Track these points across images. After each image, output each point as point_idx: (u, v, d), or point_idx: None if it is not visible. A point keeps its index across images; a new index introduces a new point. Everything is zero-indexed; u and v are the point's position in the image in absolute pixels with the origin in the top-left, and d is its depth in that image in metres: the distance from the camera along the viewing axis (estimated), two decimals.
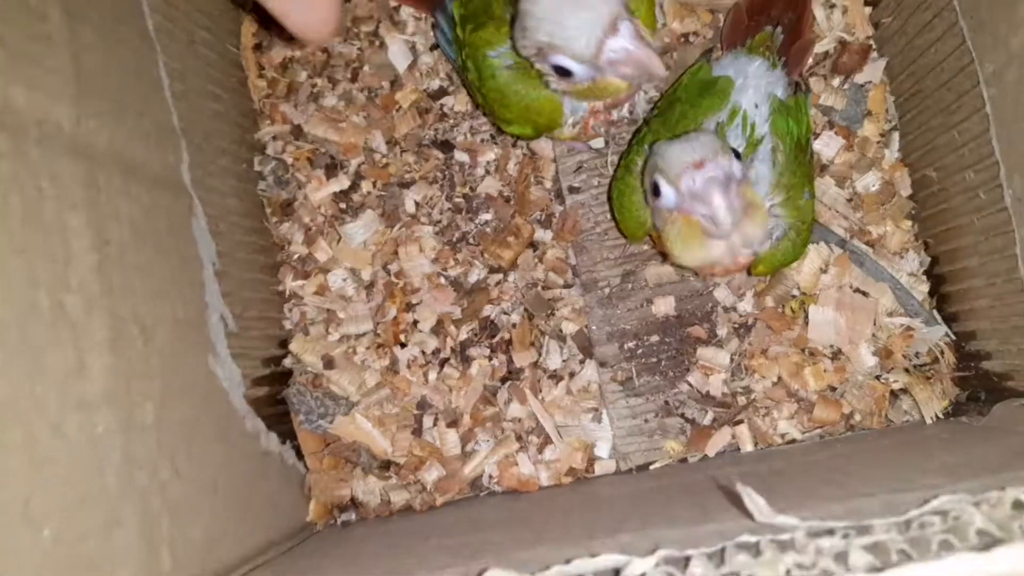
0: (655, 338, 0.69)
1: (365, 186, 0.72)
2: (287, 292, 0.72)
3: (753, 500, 0.37)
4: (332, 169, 0.73)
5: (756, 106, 0.60)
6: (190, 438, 0.54)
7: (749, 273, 0.65)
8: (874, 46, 0.70)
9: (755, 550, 0.36)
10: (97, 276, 0.47)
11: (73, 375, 0.44)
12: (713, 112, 0.60)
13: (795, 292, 0.69)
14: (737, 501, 0.38)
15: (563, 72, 0.55)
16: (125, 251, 0.50)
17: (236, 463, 0.60)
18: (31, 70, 0.44)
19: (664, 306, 0.69)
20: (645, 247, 0.70)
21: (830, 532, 0.35)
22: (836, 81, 0.70)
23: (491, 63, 0.60)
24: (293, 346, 0.71)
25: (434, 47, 0.73)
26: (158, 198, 0.55)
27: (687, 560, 0.35)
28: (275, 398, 0.69)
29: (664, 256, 0.65)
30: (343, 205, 0.73)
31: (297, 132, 0.73)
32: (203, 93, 0.65)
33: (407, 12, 0.74)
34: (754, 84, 0.61)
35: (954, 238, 0.63)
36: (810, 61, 0.69)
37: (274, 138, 0.74)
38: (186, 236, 0.59)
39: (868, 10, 0.70)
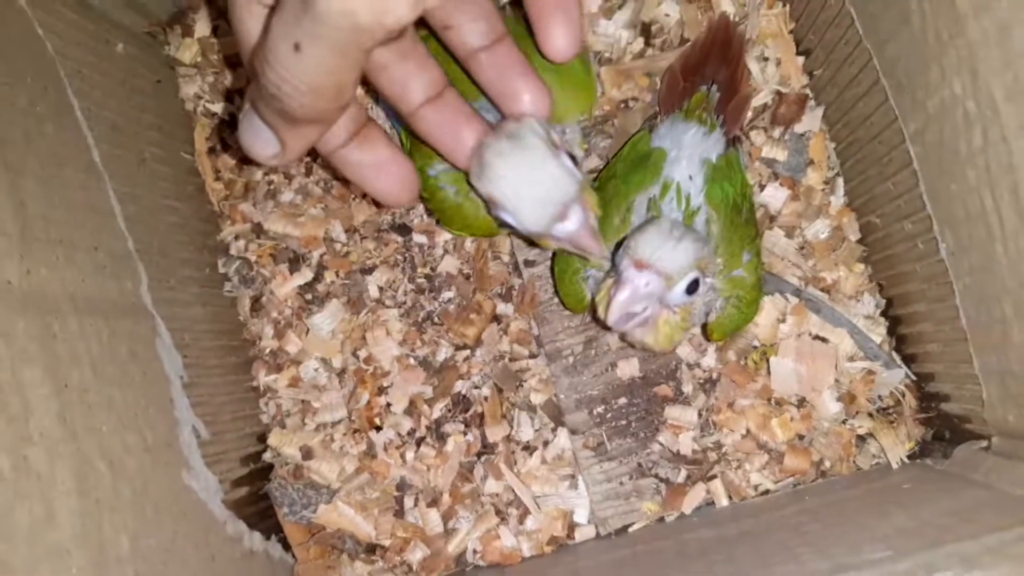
0: (623, 401, 0.71)
1: (328, 276, 0.74)
2: (261, 387, 0.74)
3: None
4: (295, 263, 0.75)
5: (690, 177, 0.61)
6: (168, 559, 0.55)
7: (707, 339, 0.66)
8: (810, 95, 0.71)
9: None
10: (59, 423, 0.49)
11: (41, 525, 0.45)
12: (644, 188, 0.61)
13: (755, 344, 0.70)
14: None
15: (505, 224, 0.55)
16: (86, 391, 0.52)
17: (220, 571, 0.61)
18: None
19: (629, 368, 0.71)
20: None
21: None
22: (776, 132, 0.71)
23: (431, 181, 0.60)
24: (272, 440, 0.72)
25: None
26: (118, 328, 0.57)
27: None
28: (256, 495, 0.70)
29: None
30: (309, 296, 0.74)
31: (258, 230, 0.75)
32: (159, 209, 0.67)
33: None
34: (688, 154, 0.62)
35: (902, 283, 0.64)
36: (749, 115, 0.70)
37: (236, 238, 0.75)
38: (150, 356, 0.60)
39: (801, 59, 0.71)
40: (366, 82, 0.48)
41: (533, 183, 0.51)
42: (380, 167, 0.51)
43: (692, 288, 0.55)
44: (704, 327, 0.65)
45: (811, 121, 0.70)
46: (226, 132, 0.76)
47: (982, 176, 0.48)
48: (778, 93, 0.71)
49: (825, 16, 0.65)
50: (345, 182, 0.73)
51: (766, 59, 0.71)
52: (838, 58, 0.64)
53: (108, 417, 0.53)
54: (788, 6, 0.71)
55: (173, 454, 0.60)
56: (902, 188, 0.59)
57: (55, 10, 0.60)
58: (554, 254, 0.68)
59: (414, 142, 0.59)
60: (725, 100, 0.66)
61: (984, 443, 0.58)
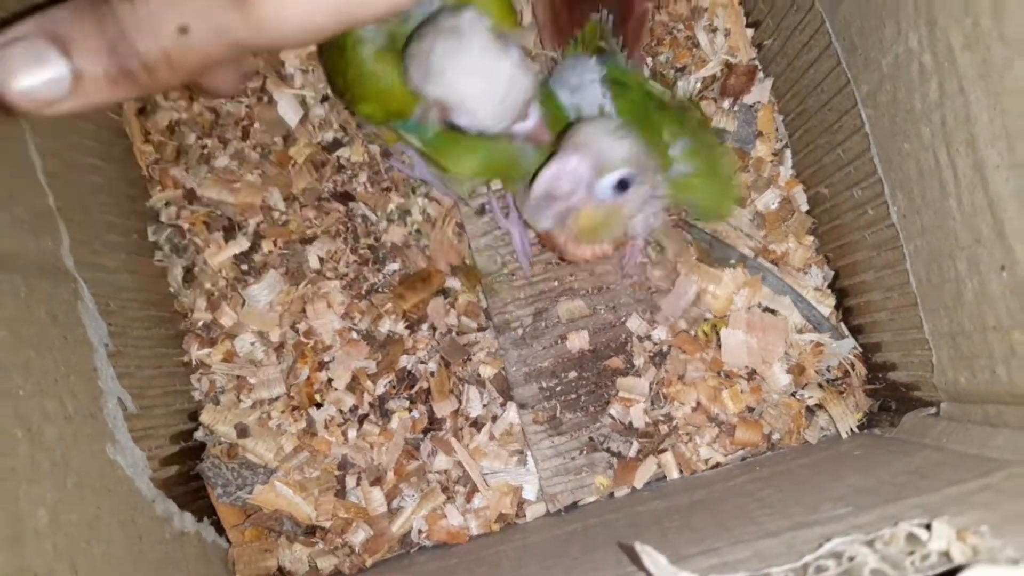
0: (573, 374, 0.69)
1: (266, 246, 0.71)
2: (193, 362, 0.70)
3: (653, 559, 0.37)
4: (230, 231, 0.71)
5: (604, 95, 0.60)
6: (91, 536, 0.51)
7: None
8: (759, 66, 0.71)
9: None
10: None
11: None
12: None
13: (707, 315, 0.69)
14: (639, 559, 0.38)
15: (455, 126, 0.54)
16: (2, 350, 0.48)
17: (146, 552, 0.57)
18: None
19: (578, 341, 0.69)
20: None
21: None
22: (726, 104, 0.71)
23: (355, 35, 0.56)
24: (204, 417, 0.68)
25: (324, 99, 0.72)
26: (36, 288, 0.52)
27: None
28: (188, 474, 0.66)
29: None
30: (245, 267, 0.71)
31: (191, 196, 0.71)
32: (82, 168, 0.63)
33: (293, 66, 0.72)
34: (588, 95, 0.60)
35: (850, 253, 0.64)
36: (648, 35, 0.69)
37: (167, 204, 0.71)
38: (72, 321, 0.56)
39: (751, 32, 0.71)
40: None
41: (492, 81, 0.49)
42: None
43: (621, 185, 0.55)
44: None
45: (760, 92, 0.70)
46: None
47: (937, 131, 0.48)
48: (727, 64, 0.71)
49: None
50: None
51: (715, 30, 0.71)
52: (788, 26, 0.64)
53: (25, 381, 0.49)
54: None
55: (97, 425, 0.56)
56: (852, 154, 0.59)
57: None
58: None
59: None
60: (621, 23, 0.65)
61: (932, 409, 0.58)
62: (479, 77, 0.50)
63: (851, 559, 0.35)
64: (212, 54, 0.37)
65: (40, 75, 0.36)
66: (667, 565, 0.37)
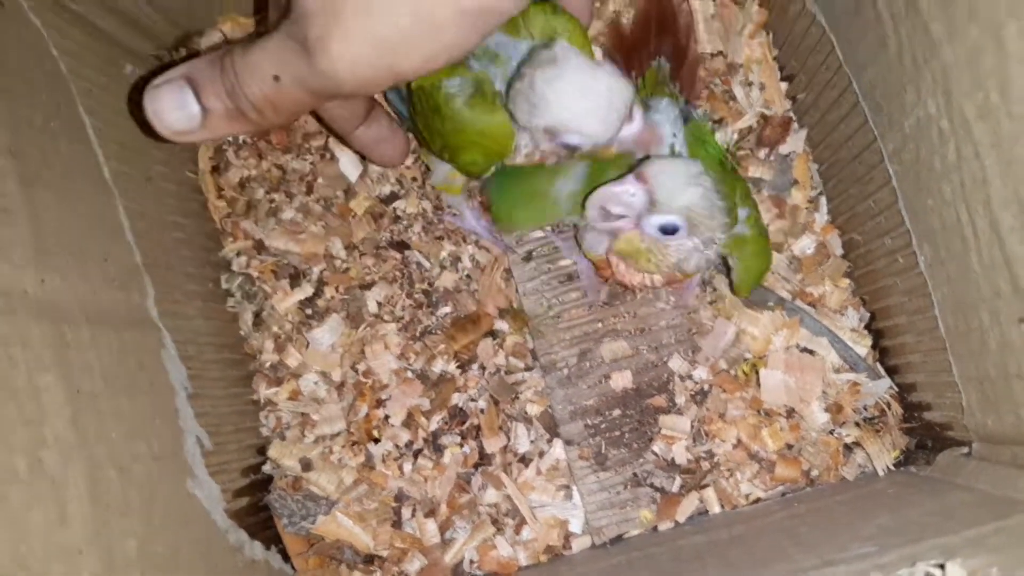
0: (617, 412, 0.73)
1: (328, 291, 0.76)
2: (261, 400, 0.75)
3: None
4: (296, 279, 0.76)
5: (675, 136, 0.63)
6: (173, 565, 0.56)
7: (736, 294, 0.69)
8: (794, 118, 0.74)
9: None
10: (72, 428, 0.50)
11: (55, 526, 0.47)
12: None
13: (747, 355, 0.72)
14: None
15: (570, 147, 0.57)
16: (97, 398, 0.53)
17: None
18: None
19: (622, 380, 0.73)
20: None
21: None
22: (762, 153, 0.74)
23: (445, 92, 0.59)
24: (271, 452, 0.74)
25: None
26: (127, 339, 0.58)
27: None
28: (257, 506, 0.71)
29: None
30: (309, 311, 0.76)
31: (260, 246, 0.77)
32: (164, 225, 0.69)
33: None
34: (666, 119, 0.63)
35: (883, 297, 0.67)
36: (702, 76, 0.73)
37: (238, 254, 0.77)
38: (157, 368, 0.62)
39: (785, 85, 0.74)
40: None
41: (594, 95, 0.53)
42: (383, 140, 0.64)
43: (667, 229, 0.58)
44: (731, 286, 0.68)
45: (795, 142, 0.73)
46: (229, 152, 0.78)
47: (957, 191, 0.51)
48: (763, 116, 0.74)
49: (807, 43, 0.68)
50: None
51: (750, 84, 0.75)
52: (819, 82, 0.67)
53: (118, 424, 0.55)
54: (771, 34, 0.75)
55: (179, 463, 0.61)
56: (882, 205, 0.62)
57: (68, 32, 0.62)
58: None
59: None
60: (676, 69, 0.68)
61: (965, 449, 0.60)
62: (581, 94, 0.53)
63: None
64: (300, 99, 0.48)
65: (179, 111, 0.49)
66: None
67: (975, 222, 0.50)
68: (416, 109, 0.64)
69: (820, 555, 0.49)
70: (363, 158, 0.77)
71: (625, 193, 0.57)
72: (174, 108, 0.49)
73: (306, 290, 0.76)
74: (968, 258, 0.52)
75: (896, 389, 0.69)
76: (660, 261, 0.61)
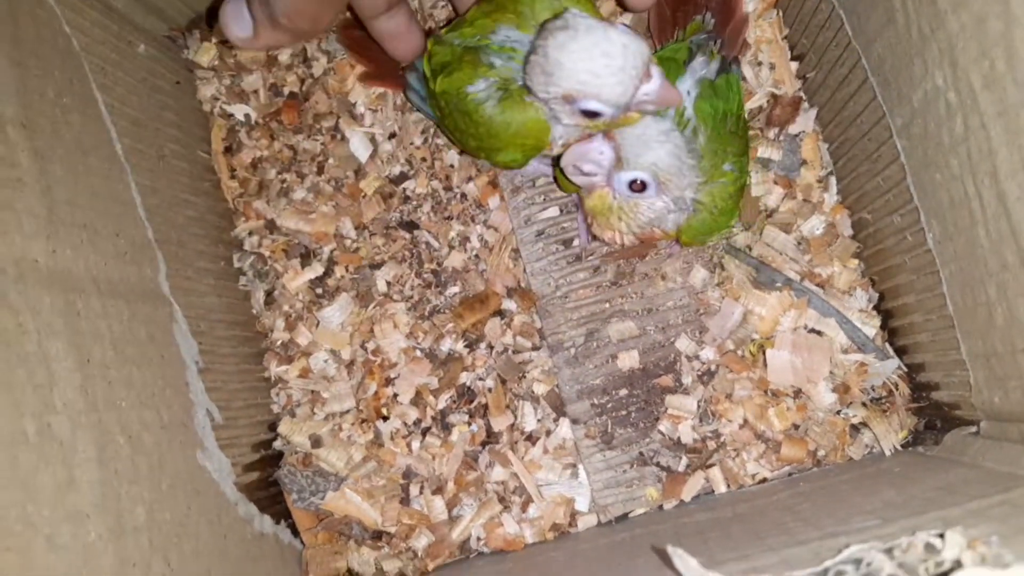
0: (623, 392, 0.73)
1: (338, 271, 0.77)
2: (272, 378, 0.76)
3: (684, 561, 0.40)
4: (306, 258, 0.77)
5: (688, 93, 0.63)
6: (182, 532, 0.57)
7: (678, 243, 0.69)
8: (804, 97, 0.73)
9: None
10: (81, 395, 0.51)
11: (63, 489, 0.48)
12: None
13: (754, 336, 0.72)
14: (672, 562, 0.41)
15: (591, 114, 0.57)
16: (107, 367, 0.54)
17: (230, 550, 0.63)
18: (4, 214, 0.48)
19: (629, 360, 0.73)
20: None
21: None
22: (772, 133, 0.73)
23: (473, 98, 0.62)
24: (282, 428, 0.74)
25: (392, 136, 0.78)
26: (137, 311, 0.59)
27: None
28: (267, 481, 0.72)
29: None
30: (319, 291, 0.77)
31: (271, 226, 0.78)
32: (176, 202, 0.70)
33: (365, 106, 0.78)
34: (691, 77, 0.64)
35: (892, 276, 0.66)
36: (747, 35, 0.73)
37: (250, 234, 0.78)
38: (167, 341, 0.63)
39: (795, 65, 0.74)
40: None
41: (608, 55, 0.53)
42: (399, 36, 0.68)
43: (635, 186, 0.59)
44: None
45: (804, 122, 0.73)
46: (242, 132, 0.79)
47: (964, 163, 0.50)
48: (773, 96, 0.74)
49: (816, 21, 0.67)
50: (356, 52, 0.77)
51: (760, 64, 0.74)
52: (829, 60, 0.67)
53: (127, 393, 0.56)
54: (782, 13, 0.74)
55: (188, 434, 0.62)
56: (891, 182, 0.62)
57: (81, 10, 0.63)
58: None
59: (444, 75, 0.63)
60: (722, 24, 0.68)
61: (973, 428, 0.60)
62: (595, 54, 0.53)
63: (869, 564, 0.37)
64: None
65: (237, 22, 0.60)
66: (697, 567, 0.40)
67: (982, 194, 0.49)
68: (444, 112, 0.65)
69: (821, 528, 0.49)
70: (372, 139, 0.78)
71: (594, 151, 0.59)
72: (234, 22, 0.60)
73: (316, 269, 0.77)
74: (975, 232, 0.51)
75: (905, 369, 0.69)
76: (631, 219, 0.63)
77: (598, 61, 0.54)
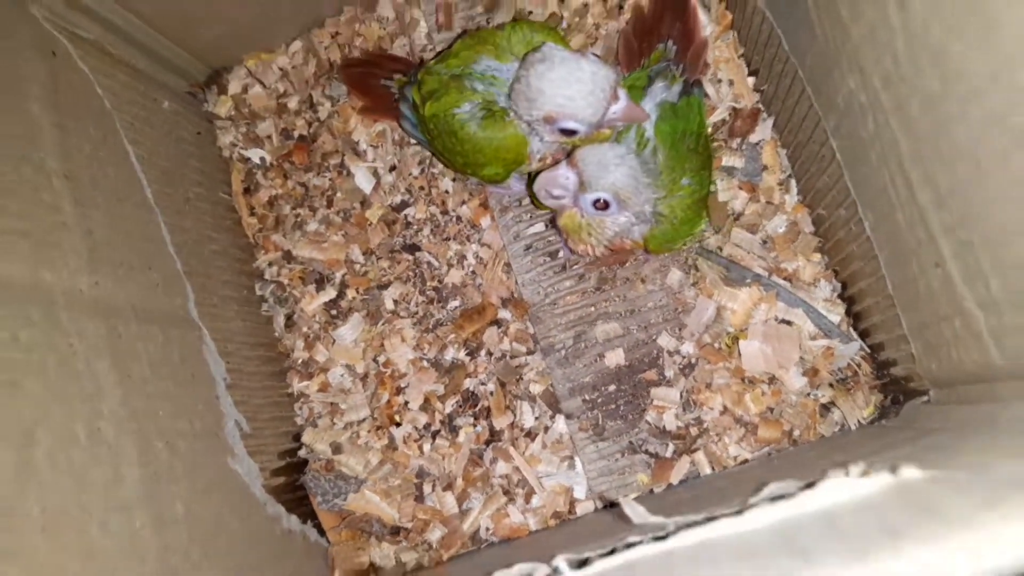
0: (612, 387, 0.79)
1: (350, 293, 0.85)
2: (295, 393, 0.84)
3: (633, 509, 0.47)
4: (321, 283, 0.85)
5: (649, 115, 0.70)
6: (216, 527, 0.65)
7: (647, 251, 0.74)
8: (762, 108, 0.80)
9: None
10: (123, 406, 0.59)
11: (112, 485, 0.56)
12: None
13: (728, 329, 0.78)
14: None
15: (568, 132, 0.66)
16: (146, 383, 0.62)
17: (260, 544, 0.71)
18: (53, 253, 0.57)
19: (615, 358, 0.79)
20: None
21: (691, 524, 0.45)
22: (734, 143, 0.80)
23: (459, 118, 0.70)
24: (305, 438, 0.82)
25: (392, 168, 0.86)
26: (170, 334, 0.68)
27: (587, 560, 0.45)
28: (293, 485, 0.80)
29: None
30: (333, 312, 0.85)
31: (288, 256, 0.86)
32: (202, 239, 0.79)
33: (366, 143, 0.87)
34: (650, 100, 0.72)
35: (848, 265, 0.72)
36: (707, 58, 0.79)
37: (270, 264, 0.87)
38: (198, 360, 0.71)
39: (752, 79, 0.81)
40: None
41: (580, 82, 0.62)
42: None
43: (598, 205, 0.67)
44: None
45: (763, 131, 0.80)
46: (258, 175, 0.88)
47: (880, 156, 0.57)
48: (733, 109, 0.81)
49: (762, 39, 0.74)
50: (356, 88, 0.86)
51: (720, 81, 0.81)
52: (776, 73, 0.74)
53: (164, 405, 0.64)
54: (737, 34, 0.81)
55: (219, 442, 0.70)
56: (833, 179, 0.68)
57: (111, 73, 0.72)
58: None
59: (432, 101, 0.71)
60: (683, 51, 0.76)
61: (925, 397, 0.65)
62: (569, 81, 0.63)
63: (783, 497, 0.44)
64: None
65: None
66: (644, 512, 0.46)
67: (895, 181, 0.56)
68: (434, 135, 0.74)
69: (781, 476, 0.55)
70: (375, 173, 0.87)
71: (560, 177, 0.66)
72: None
73: (330, 293, 0.85)
74: (895, 216, 0.57)
75: (867, 350, 0.74)
76: (599, 234, 0.70)
77: (572, 87, 0.63)
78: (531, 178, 0.74)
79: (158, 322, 0.67)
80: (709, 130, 0.78)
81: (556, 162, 0.71)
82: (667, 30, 0.76)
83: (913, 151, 0.52)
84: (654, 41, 0.76)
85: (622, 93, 0.64)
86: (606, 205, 0.66)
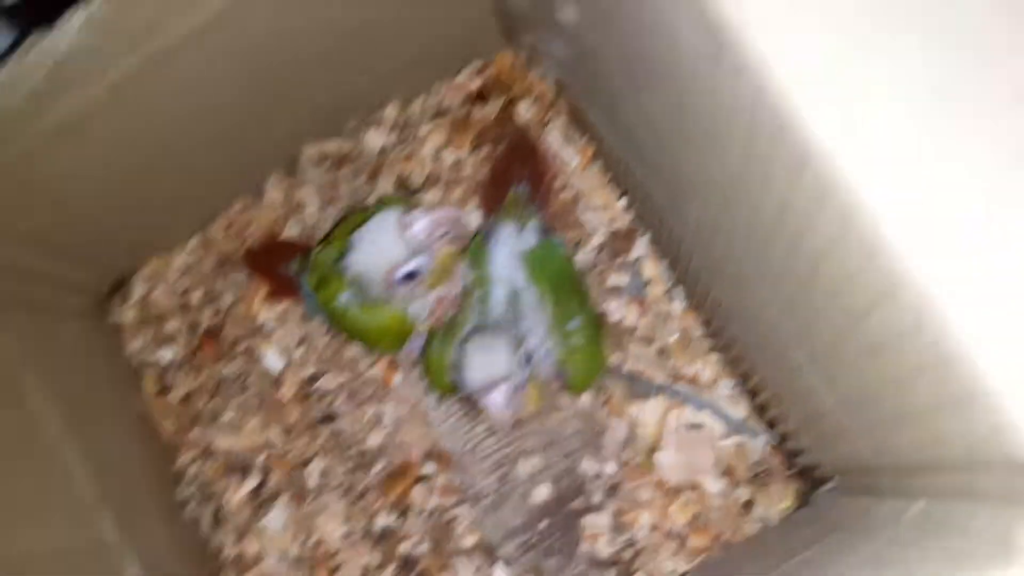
0: (544, 523, 0.79)
1: (273, 477, 0.85)
2: None
3: None
4: (243, 472, 0.86)
5: (509, 269, 0.73)
6: None
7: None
8: (636, 227, 0.84)
9: None
10: None
11: None
12: (476, 286, 0.74)
13: (644, 443, 0.79)
14: None
15: (411, 276, 0.69)
16: None
17: None
18: None
19: (542, 493, 0.80)
20: None
21: None
22: (616, 263, 0.84)
23: (341, 307, 0.74)
24: None
25: (300, 343, 0.88)
26: (87, 567, 0.67)
27: None
28: None
29: None
30: (259, 500, 0.85)
31: (207, 451, 0.87)
32: (118, 456, 0.79)
33: (271, 323, 0.89)
34: (504, 251, 0.74)
35: (739, 363, 0.75)
36: (556, 200, 0.83)
37: (192, 461, 0.87)
38: None
39: (623, 201, 0.85)
40: None
41: (375, 243, 0.68)
42: None
43: (528, 359, 0.69)
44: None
45: (640, 247, 0.83)
46: (168, 374, 0.89)
47: (733, 274, 0.60)
48: (611, 231, 0.85)
49: (620, 167, 0.79)
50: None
51: (591, 209, 0.85)
52: (638, 196, 0.78)
53: None
54: (601, 160, 0.86)
55: None
56: (705, 290, 0.71)
57: (7, 307, 0.74)
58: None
59: (322, 290, 0.75)
60: (534, 192, 0.79)
61: (832, 484, 0.67)
62: (371, 235, 0.68)
63: None
64: None
65: None
66: None
67: (747, 295, 0.59)
68: (332, 321, 0.79)
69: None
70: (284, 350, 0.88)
71: (505, 397, 0.67)
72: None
73: (253, 480, 0.85)
74: (758, 327, 0.60)
75: (777, 440, 0.76)
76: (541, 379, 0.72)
77: (375, 240, 0.68)
78: (429, 336, 0.77)
79: (75, 556, 0.66)
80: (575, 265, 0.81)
81: (450, 307, 0.75)
82: (519, 174, 0.80)
83: (754, 269, 0.55)
84: (508, 187, 0.80)
85: (414, 213, 0.68)
86: (529, 355, 0.69)
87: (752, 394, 0.78)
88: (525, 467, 0.81)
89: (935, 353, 0.31)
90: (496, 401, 0.66)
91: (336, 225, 0.80)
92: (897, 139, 0.31)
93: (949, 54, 0.30)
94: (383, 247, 0.67)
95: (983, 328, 0.29)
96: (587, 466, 0.80)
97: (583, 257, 0.85)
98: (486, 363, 0.66)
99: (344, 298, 0.74)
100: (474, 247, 0.77)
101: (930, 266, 0.30)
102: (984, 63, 0.30)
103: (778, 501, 0.74)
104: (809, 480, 0.73)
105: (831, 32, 0.31)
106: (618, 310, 0.83)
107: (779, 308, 0.51)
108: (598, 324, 0.76)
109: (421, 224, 0.68)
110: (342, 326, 0.77)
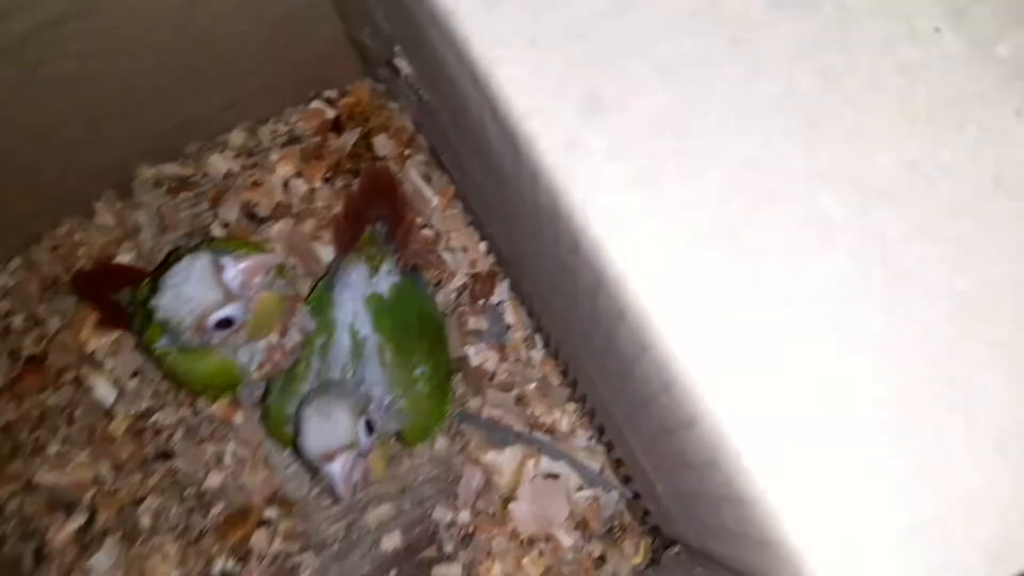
0: (393, 573, 0.76)
1: (101, 516, 0.79)
2: None
3: None
4: (69, 509, 0.79)
5: (355, 314, 0.69)
6: None
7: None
8: (498, 270, 0.82)
9: None
10: None
11: None
12: (318, 334, 0.69)
13: (498, 491, 0.78)
14: None
15: (227, 323, 0.61)
16: None
17: None
18: None
19: (392, 541, 0.77)
20: None
21: None
22: (476, 307, 0.81)
23: (160, 351, 0.67)
24: None
25: (134, 374, 0.82)
26: None
27: None
28: None
29: None
30: (86, 539, 0.78)
31: (29, 486, 0.79)
32: None
33: (103, 352, 0.82)
34: (352, 293, 0.70)
35: (593, 414, 0.74)
36: (417, 242, 0.79)
37: (11, 496, 0.79)
38: None
39: (484, 244, 0.82)
40: None
41: (185, 288, 0.59)
42: None
43: (370, 427, 0.63)
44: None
45: (501, 292, 0.81)
46: None
47: (543, 305, 0.58)
48: (472, 275, 0.82)
49: (472, 207, 0.77)
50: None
51: (452, 250, 0.83)
52: (497, 240, 0.76)
53: None
54: (462, 203, 0.83)
55: None
56: (553, 346, 0.70)
57: None
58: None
59: (144, 335, 0.68)
60: (393, 233, 0.75)
61: (676, 548, 0.66)
62: (176, 287, 0.59)
63: None
64: None
65: None
66: None
67: (577, 365, 0.58)
68: (156, 364, 0.72)
69: None
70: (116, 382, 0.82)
71: (345, 470, 0.61)
72: None
73: (80, 518, 0.78)
74: (586, 364, 0.59)
75: (629, 495, 0.75)
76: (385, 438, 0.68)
77: (178, 279, 0.60)
78: (269, 385, 0.72)
79: None
80: (433, 307, 0.78)
81: (285, 357, 0.69)
82: (375, 212, 0.76)
83: (584, 346, 0.53)
84: (363, 223, 0.75)
85: (228, 259, 0.61)
86: (370, 424, 0.63)
87: (608, 447, 0.77)
88: (375, 514, 0.78)
89: (734, 490, 0.30)
90: (335, 471, 0.61)
91: (167, 257, 0.74)
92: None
93: None
94: (192, 292, 0.59)
95: (775, 477, 0.28)
96: (440, 514, 0.77)
97: (444, 298, 0.83)
98: (325, 430, 0.61)
99: (163, 342, 0.67)
100: (318, 292, 0.73)
101: (723, 407, 0.29)
102: None
103: (630, 556, 0.74)
104: (660, 537, 0.72)
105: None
106: (478, 354, 0.81)
107: (610, 389, 0.50)
108: (447, 371, 0.73)
109: (234, 270, 0.61)
110: (164, 370, 0.71)
